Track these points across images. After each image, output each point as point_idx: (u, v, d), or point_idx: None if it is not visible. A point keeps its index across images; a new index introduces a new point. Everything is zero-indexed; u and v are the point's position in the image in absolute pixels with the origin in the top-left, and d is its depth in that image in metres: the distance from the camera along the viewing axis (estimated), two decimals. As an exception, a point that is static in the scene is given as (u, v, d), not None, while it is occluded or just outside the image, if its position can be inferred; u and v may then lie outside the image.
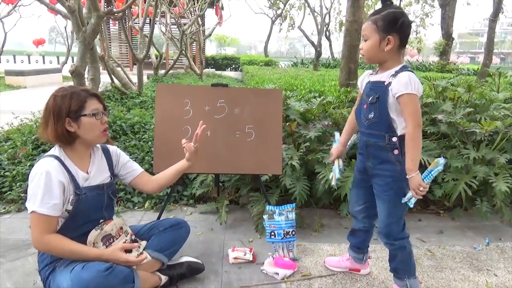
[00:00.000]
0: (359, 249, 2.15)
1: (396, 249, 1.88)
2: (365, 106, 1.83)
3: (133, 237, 1.87)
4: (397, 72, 1.70)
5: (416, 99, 1.66)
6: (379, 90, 1.74)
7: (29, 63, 20.63)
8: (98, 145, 1.90)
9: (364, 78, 1.91)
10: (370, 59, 1.77)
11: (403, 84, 1.65)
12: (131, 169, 2.01)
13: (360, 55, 1.81)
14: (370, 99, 1.78)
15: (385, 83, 1.72)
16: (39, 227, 1.60)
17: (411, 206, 1.75)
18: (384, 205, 1.84)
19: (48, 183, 1.59)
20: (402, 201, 1.75)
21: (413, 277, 1.91)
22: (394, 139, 1.74)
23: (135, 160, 3.31)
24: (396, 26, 1.65)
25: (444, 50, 16.80)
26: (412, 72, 1.69)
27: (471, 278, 2.19)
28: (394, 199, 1.80)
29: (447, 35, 16.55)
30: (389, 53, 1.70)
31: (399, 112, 1.70)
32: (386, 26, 1.66)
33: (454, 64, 17.74)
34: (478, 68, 11.63)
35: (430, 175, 1.69)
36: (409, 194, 1.72)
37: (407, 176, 1.69)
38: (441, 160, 1.70)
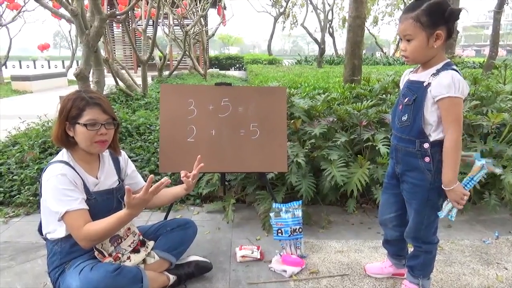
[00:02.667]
0: (399, 256, 2.02)
1: (421, 251, 1.80)
2: (400, 107, 1.69)
3: (141, 237, 1.88)
4: (438, 71, 1.54)
5: (459, 103, 1.50)
6: (417, 91, 1.59)
7: (35, 68, 20.85)
8: (106, 149, 1.89)
9: (405, 76, 1.77)
10: (416, 60, 1.60)
11: (445, 86, 1.49)
12: (135, 180, 2.00)
13: (402, 58, 1.63)
14: (406, 100, 1.64)
15: (424, 84, 1.57)
16: (77, 225, 1.57)
17: (452, 219, 1.63)
18: (413, 212, 1.75)
19: (68, 183, 1.60)
20: (441, 216, 1.64)
21: (427, 278, 1.86)
22: (426, 145, 1.60)
23: (141, 161, 3.36)
24: (443, 18, 1.48)
25: (448, 44, 16.66)
26: (456, 70, 1.52)
27: (480, 272, 2.17)
28: (422, 208, 1.70)
29: (452, 29, 16.39)
30: (437, 49, 1.54)
31: (439, 117, 1.56)
32: (432, 21, 1.48)
33: (460, 57, 17.57)
34: (483, 61, 11.52)
35: (472, 181, 1.57)
36: (449, 206, 1.59)
37: (445, 188, 1.58)
38: (482, 162, 1.55)
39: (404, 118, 1.65)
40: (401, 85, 1.79)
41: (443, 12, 1.47)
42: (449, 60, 1.57)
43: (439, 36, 1.50)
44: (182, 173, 1.93)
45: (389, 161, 1.91)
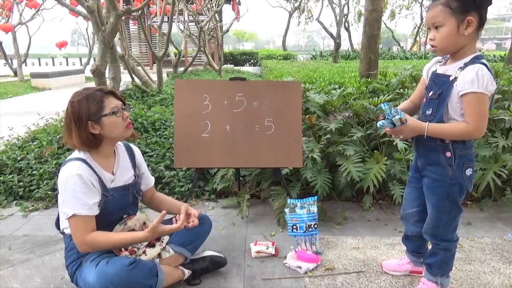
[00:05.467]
0: (419, 253, 1.98)
1: (439, 249, 1.75)
2: (424, 100, 1.66)
3: (156, 232, 1.89)
4: (466, 65, 1.48)
5: (483, 99, 1.45)
6: (443, 86, 1.54)
7: (53, 65, 21.24)
8: (121, 144, 1.91)
9: (431, 66, 1.70)
10: (446, 49, 1.53)
11: (468, 81, 1.44)
12: (146, 180, 2.03)
13: (429, 48, 1.58)
14: (430, 93, 1.60)
15: (451, 78, 1.52)
16: (81, 229, 1.61)
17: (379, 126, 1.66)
18: (431, 207, 1.71)
19: (82, 185, 1.61)
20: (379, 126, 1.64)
21: (446, 276, 1.81)
22: (448, 140, 1.57)
23: (156, 157, 3.39)
24: (475, 2, 1.41)
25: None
26: (484, 64, 1.46)
27: (501, 271, 2.11)
28: (441, 204, 1.67)
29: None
30: (468, 37, 1.46)
31: (463, 113, 1.51)
32: (463, 6, 1.41)
33: (480, 51, 17.11)
34: (505, 54, 11.21)
35: (388, 119, 1.57)
36: (389, 121, 1.56)
37: (416, 126, 1.56)
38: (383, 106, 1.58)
39: (428, 112, 1.61)
40: (426, 74, 1.72)
41: None
42: (479, 53, 1.50)
43: (470, 23, 1.43)
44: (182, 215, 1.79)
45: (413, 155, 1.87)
